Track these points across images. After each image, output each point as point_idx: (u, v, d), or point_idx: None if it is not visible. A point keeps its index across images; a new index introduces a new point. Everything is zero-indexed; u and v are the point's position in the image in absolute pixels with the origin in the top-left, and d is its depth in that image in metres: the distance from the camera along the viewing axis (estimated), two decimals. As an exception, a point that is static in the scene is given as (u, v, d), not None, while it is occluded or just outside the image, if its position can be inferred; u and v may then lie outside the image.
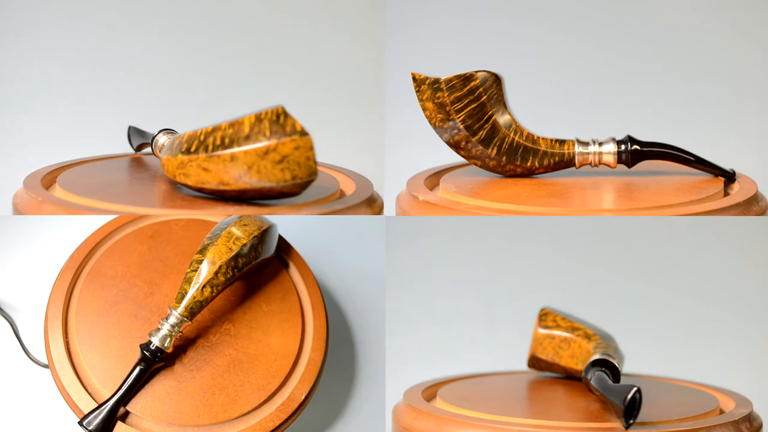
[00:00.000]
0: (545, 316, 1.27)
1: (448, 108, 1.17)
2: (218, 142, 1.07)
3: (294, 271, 1.24)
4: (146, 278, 1.20)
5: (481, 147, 1.18)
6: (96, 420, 1.10)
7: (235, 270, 1.13)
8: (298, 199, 1.14)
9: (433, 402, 1.19)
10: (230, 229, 1.14)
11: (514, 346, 1.60)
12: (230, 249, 1.13)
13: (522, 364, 1.35)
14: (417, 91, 1.17)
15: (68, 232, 1.34)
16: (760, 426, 1.13)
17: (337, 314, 1.36)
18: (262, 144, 1.05)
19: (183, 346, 1.16)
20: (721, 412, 1.15)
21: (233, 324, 1.18)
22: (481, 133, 1.17)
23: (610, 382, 1.11)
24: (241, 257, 1.14)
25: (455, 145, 1.19)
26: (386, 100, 1.71)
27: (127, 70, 1.69)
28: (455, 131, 1.18)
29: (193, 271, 1.12)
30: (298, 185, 1.07)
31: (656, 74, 1.73)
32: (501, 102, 1.17)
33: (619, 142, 1.19)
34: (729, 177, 1.20)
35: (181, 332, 1.12)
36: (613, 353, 1.18)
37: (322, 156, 1.39)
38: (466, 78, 1.16)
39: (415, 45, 1.74)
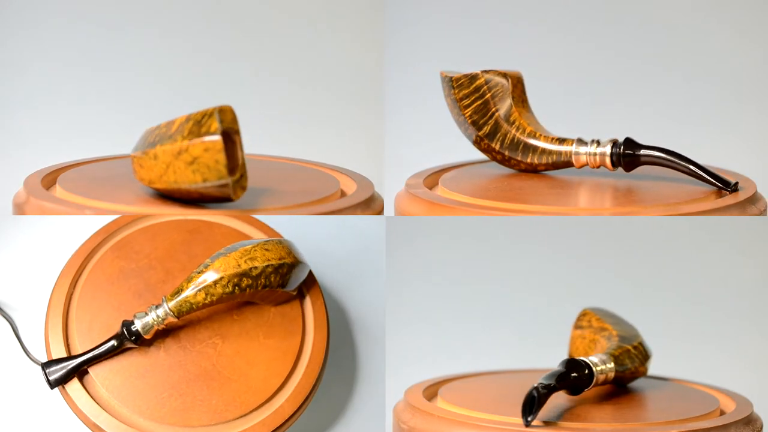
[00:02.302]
0: (582, 317, 1.27)
1: (459, 104, 1.23)
2: (151, 139, 1.08)
3: (309, 315, 1.21)
4: (166, 265, 1.20)
5: (486, 141, 1.23)
6: (57, 373, 1.12)
7: (237, 288, 1.12)
8: (299, 198, 1.14)
9: (434, 401, 1.19)
10: (249, 247, 1.13)
11: (515, 345, 1.60)
12: (239, 265, 1.12)
13: (522, 363, 1.35)
14: (442, 88, 1.24)
15: (68, 232, 1.34)
16: (761, 427, 1.13)
17: (337, 314, 1.36)
18: (177, 144, 1.05)
19: (170, 339, 1.16)
20: (722, 413, 1.15)
21: (223, 340, 1.17)
22: (485, 128, 1.23)
23: (543, 380, 1.11)
24: (247, 278, 1.12)
25: (470, 139, 1.25)
26: (386, 100, 1.71)
27: (127, 70, 1.69)
28: (466, 126, 1.24)
29: (197, 272, 1.12)
30: (214, 188, 1.06)
31: (656, 74, 1.73)
32: (506, 100, 1.22)
33: (614, 145, 1.19)
34: (730, 188, 1.17)
35: (165, 326, 1.13)
36: (619, 355, 1.18)
37: (322, 156, 1.39)
38: (472, 77, 1.22)
39: (415, 45, 1.74)
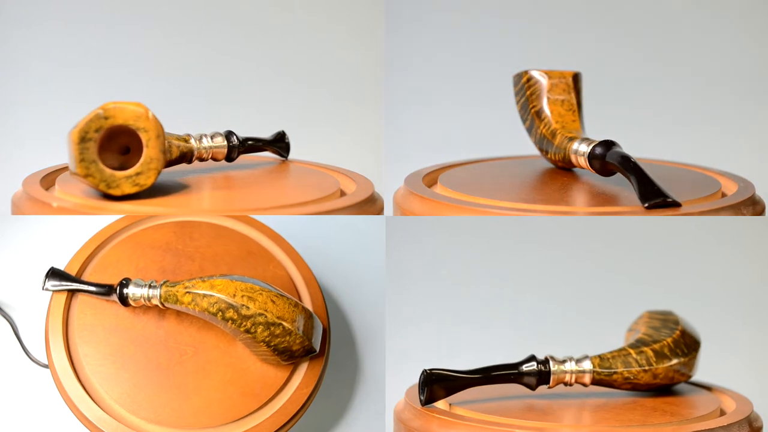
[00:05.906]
0: (639, 319, 1.27)
1: (515, 99, 1.30)
2: None
3: (291, 386, 1.17)
4: (205, 265, 1.20)
5: (528, 134, 1.29)
6: (55, 287, 1.16)
7: (220, 314, 1.11)
8: (299, 198, 1.14)
9: (433, 402, 1.19)
10: (258, 288, 1.12)
11: (515, 345, 1.60)
12: (234, 295, 1.11)
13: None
14: None
15: (67, 232, 1.34)
16: (761, 427, 1.13)
17: (337, 314, 1.36)
18: (68, 136, 1.09)
19: (157, 316, 1.16)
20: (722, 413, 1.15)
21: (196, 353, 1.16)
22: (526, 123, 1.29)
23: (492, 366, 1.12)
24: (234, 312, 1.11)
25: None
26: (386, 100, 1.71)
27: (126, 70, 1.69)
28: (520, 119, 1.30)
29: (202, 279, 1.12)
30: (78, 178, 1.09)
31: (656, 74, 1.73)
32: (542, 97, 1.27)
33: (594, 147, 1.18)
34: (646, 204, 1.11)
35: (150, 305, 1.14)
36: (611, 357, 1.17)
37: (322, 156, 1.39)
38: (519, 75, 1.29)
39: (415, 45, 1.74)
